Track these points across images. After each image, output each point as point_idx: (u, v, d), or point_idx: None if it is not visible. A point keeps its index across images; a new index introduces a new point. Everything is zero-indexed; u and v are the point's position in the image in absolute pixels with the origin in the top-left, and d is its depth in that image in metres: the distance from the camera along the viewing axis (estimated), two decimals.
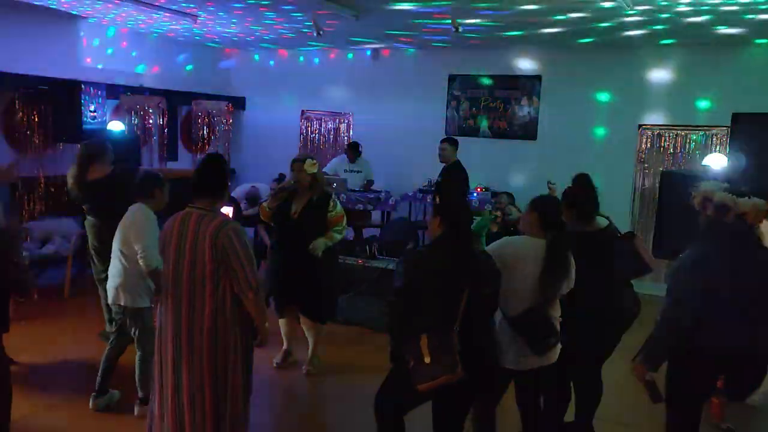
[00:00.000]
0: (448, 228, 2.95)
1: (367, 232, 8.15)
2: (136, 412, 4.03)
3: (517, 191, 7.68)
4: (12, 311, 3.72)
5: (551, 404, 3.65)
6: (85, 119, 7.17)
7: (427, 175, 8.42)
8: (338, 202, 4.82)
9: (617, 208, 7.01)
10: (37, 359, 4.93)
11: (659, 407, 3.10)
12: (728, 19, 5.69)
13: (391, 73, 9.09)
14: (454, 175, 6.94)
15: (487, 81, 8.58)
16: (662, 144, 7.69)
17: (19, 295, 3.68)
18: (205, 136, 9.63)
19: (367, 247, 6.23)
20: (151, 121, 8.61)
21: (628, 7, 5.24)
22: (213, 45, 9.54)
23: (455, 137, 7.51)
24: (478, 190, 7.83)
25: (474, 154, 7.56)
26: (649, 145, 7.76)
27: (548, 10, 5.70)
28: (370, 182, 8.45)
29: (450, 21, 6.21)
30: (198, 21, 7.03)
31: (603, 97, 7.94)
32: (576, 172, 3.84)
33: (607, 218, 3.72)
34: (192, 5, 6.36)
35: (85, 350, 5.01)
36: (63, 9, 6.89)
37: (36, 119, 7.09)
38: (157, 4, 6.26)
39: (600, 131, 7.98)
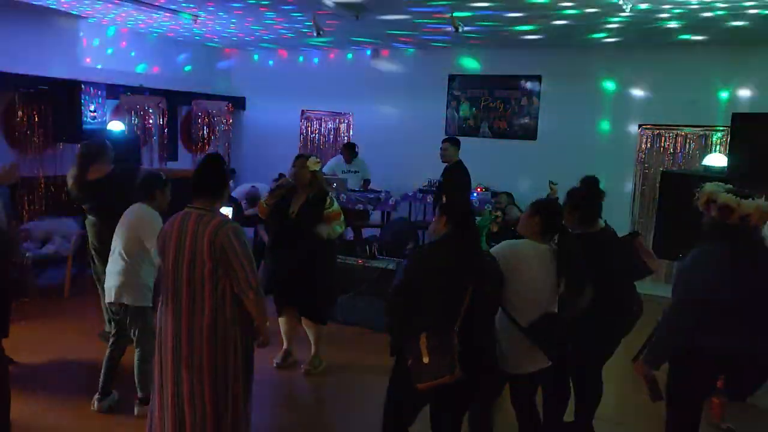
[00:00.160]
0: (454, 227, 2.95)
1: (367, 232, 8.15)
2: (136, 412, 4.03)
3: (517, 191, 7.70)
4: (12, 311, 3.73)
5: (551, 404, 3.65)
6: (85, 119, 7.17)
7: (427, 175, 8.42)
8: (335, 201, 4.83)
9: (617, 209, 7.02)
10: (37, 359, 4.93)
11: (659, 407, 3.10)
12: (736, 15, 5.69)
13: (391, 73, 9.10)
14: (455, 176, 6.94)
15: (487, 81, 8.58)
16: (662, 144, 7.70)
17: (19, 296, 3.68)
18: (205, 136, 9.64)
19: (367, 247, 6.23)
20: (151, 121, 8.61)
21: (628, 7, 5.24)
22: (213, 45, 9.54)
23: (454, 136, 7.51)
24: (478, 190, 7.84)
25: (474, 154, 7.55)
26: (649, 145, 7.76)
27: (551, 5, 5.70)
28: (368, 182, 8.46)
29: (450, 21, 6.21)
30: (198, 21, 7.03)
31: (603, 97, 7.94)
32: (575, 172, 3.85)
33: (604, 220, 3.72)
34: (192, 5, 6.36)
35: (85, 350, 5.01)
36: (63, 9, 6.89)
37: (36, 119, 7.09)
38: (157, 3, 6.26)
39: (600, 131, 7.98)
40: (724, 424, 3.98)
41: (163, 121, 8.81)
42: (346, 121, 9.60)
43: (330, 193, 4.88)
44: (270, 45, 9.30)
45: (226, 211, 6.09)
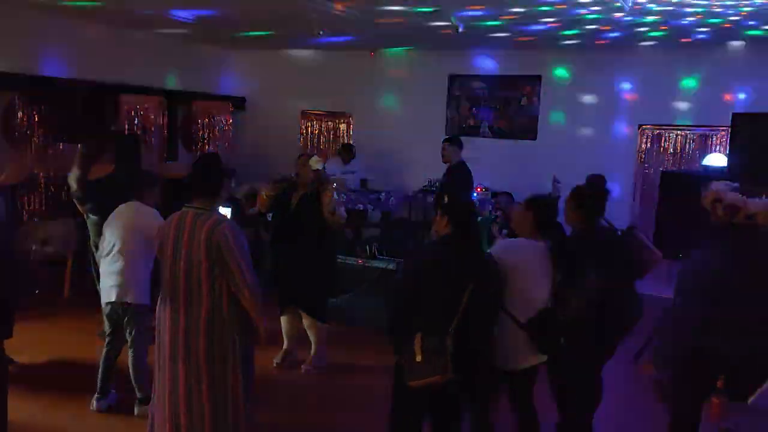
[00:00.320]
0: (455, 228, 2.95)
1: (367, 232, 8.15)
2: (136, 412, 4.04)
3: (517, 191, 7.69)
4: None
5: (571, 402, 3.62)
6: (85, 119, 7.16)
7: (427, 175, 8.42)
8: (332, 198, 4.82)
9: (617, 208, 7.00)
10: (37, 359, 4.93)
11: (658, 407, 3.10)
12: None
13: (391, 73, 9.09)
14: (457, 176, 6.94)
15: (487, 81, 8.58)
16: (662, 144, 7.70)
17: (23, 293, 3.69)
18: (205, 136, 9.63)
19: (367, 247, 6.23)
20: (151, 121, 8.60)
21: (627, 6, 5.24)
22: (213, 45, 9.54)
23: (456, 137, 7.49)
24: (478, 190, 7.83)
25: (474, 154, 7.54)
26: (649, 145, 7.76)
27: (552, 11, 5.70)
28: (365, 181, 8.46)
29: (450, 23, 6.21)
30: (199, 21, 7.03)
31: (603, 96, 7.94)
32: (575, 172, 3.83)
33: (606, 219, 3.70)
34: (192, 6, 6.36)
35: (85, 350, 5.01)
36: (63, 7, 6.88)
37: (36, 119, 7.08)
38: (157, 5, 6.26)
39: (600, 131, 7.98)
40: (724, 424, 3.98)
41: (163, 121, 8.81)
42: (346, 121, 9.60)
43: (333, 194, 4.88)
44: (270, 45, 9.29)
45: (225, 211, 6.09)
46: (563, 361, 3.58)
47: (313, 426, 4.23)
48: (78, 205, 5.08)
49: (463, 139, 7.41)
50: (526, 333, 3.12)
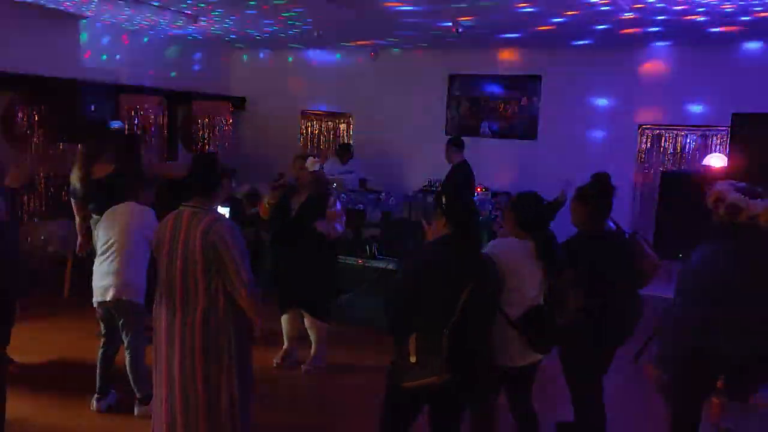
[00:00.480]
0: (454, 228, 2.95)
1: (367, 233, 8.15)
2: (136, 413, 4.04)
3: (517, 191, 7.68)
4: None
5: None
6: (85, 119, 7.16)
7: (427, 175, 8.42)
8: (338, 201, 4.83)
9: (617, 209, 6.98)
10: (37, 359, 4.93)
11: (659, 407, 3.10)
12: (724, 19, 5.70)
13: (391, 73, 9.09)
14: (456, 176, 6.95)
15: (487, 81, 8.59)
16: (662, 144, 7.70)
17: (19, 296, 3.69)
18: (205, 136, 9.63)
19: (367, 247, 6.23)
20: (151, 121, 8.60)
21: (627, 6, 5.24)
22: (213, 45, 9.54)
23: (457, 137, 7.48)
24: (478, 190, 7.83)
25: (474, 154, 7.55)
26: (649, 145, 7.76)
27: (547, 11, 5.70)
28: (364, 181, 8.46)
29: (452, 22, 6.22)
30: (198, 21, 7.03)
31: (603, 97, 7.95)
32: (575, 172, 3.81)
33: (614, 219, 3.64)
34: (192, 5, 6.35)
35: (85, 350, 5.00)
36: (63, 9, 6.89)
37: (36, 119, 7.08)
38: (157, 4, 6.26)
39: (600, 131, 7.98)
40: (724, 424, 3.99)
41: (163, 121, 8.81)
42: (346, 121, 9.60)
43: (333, 193, 4.88)
44: (270, 45, 9.30)
45: (224, 210, 6.09)
46: (564, 366, 3.58)
47: (313, 426, 4.23)
48: (75, 206, 5.06)
49: (463, 139, 7.42)
50: (518, 331, 3.13)
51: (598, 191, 3.45)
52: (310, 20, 6.52)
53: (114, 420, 4.06)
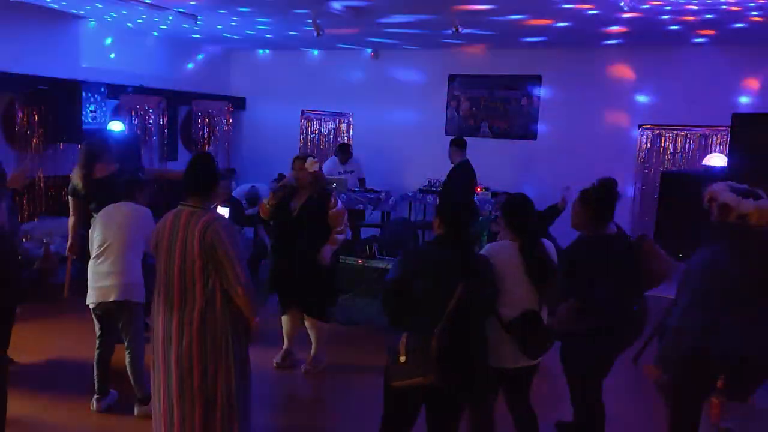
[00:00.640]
0: (447, 228, 2.95)
1: (366, 232, 8.16)
2: (136, 413, 4.04)
3: (517, 191, 7.69)
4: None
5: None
6: (85, 119, 7.17)
7: (427, 175, 8.43)
8: (339, 200, 4.83)
9: (617, 209, 7.01)
10: (37, 359, 4.93)
11: (659, 407, 3.10)
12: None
13: (391, 73, 9.10)
14: (455, 176, 6.95)
15: (487, 81, 8.59)
16: (662, 144, 7.70)
17: (19, 301, 3.69)
18: (205, 136, 9.64)
19: (367, 247, 6.23)
20: (151, 121, 8.61)
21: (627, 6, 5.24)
22: (213, 45, 9.55)
23: (458, 137, 7.48)
24: (478, 190, 7.84)
25: (474, 154, 7.56)
26: (649, 145, 7.77)
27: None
28: (363, 181, 8.47)
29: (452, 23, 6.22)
30: (198, 21, 7.03)
31: (603, 96, 7.95)
32: (575, 172, 3.80)
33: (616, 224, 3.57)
34: (193, 5, 6.36)
35: (85, 350, 4.99)
36: (63, 9, 6.89)
37: (36, 119, 7.09)
38: (156, 3, 6.26)
39: (600, 131, 7.98)
40: (724, 424, 3.98)
41: (163, 121, 8.81)
42: (346, 121, 9.60)
43: (333, 193, 4.88)
44: (270, 45, 9.30)
45: (223, 211, 6.09)
46: (565, 367, 3.57)
47: (313, 426, 4.23)
48: (72, 205, 5.04)
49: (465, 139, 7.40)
50: (510, 334, 3.12)
51: (602, 195, 3.41)
52: (310, 20, 6.52)
53: (114, 420, 4.05)
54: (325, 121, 9.78)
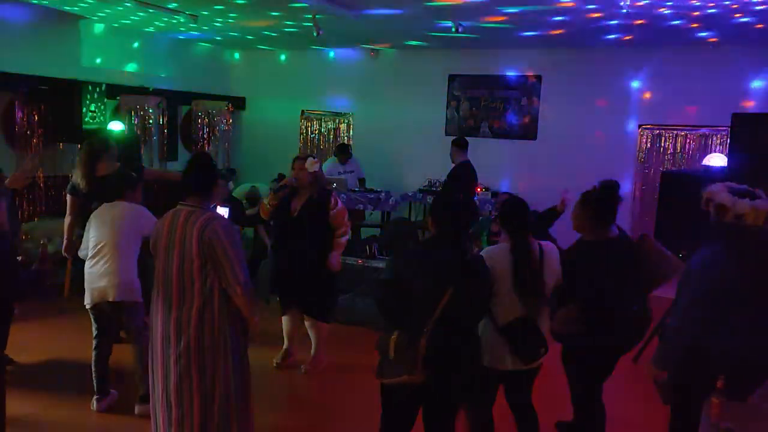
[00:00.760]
0: (440, 228, 2.95)
1: (366, 232, 8.15)
2: (136, 411, 4.04)
3: (517, 191, 7.70)
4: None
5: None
6: (85, 119, 7.17)
7: (427, 175, 8.43)
8: (339, 200, 4.83)
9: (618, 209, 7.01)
10: (37, 359, 4.93)
11: (658, 407, 3.10)
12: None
13: (391, 73, 9.10)
14: (453, 176, 6.95)
15: (487, 81, 8.59)
16: (662, 144, 7.70)
17: (18, 299, 3.69)
18: (205, 136, 9.64)
19: (367, 247, 6.23)
20: (151, 121, 8.61)
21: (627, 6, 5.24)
22: (213, 45, 9.54)
23: (460, 137, 7.47)
24: (478, 190, 7.84)
25: (474, 154, 7.57)
26: (649, 145, 7.77)
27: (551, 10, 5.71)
28: (363, 180, 8.47)
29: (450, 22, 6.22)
30: (197, 20, 7.03)
31: (603, 96, 7.95)
32: (575, 172, 3.79)
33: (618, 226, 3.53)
34: (192, 4, 6.36)
35: (85, 350, 4.98)
36: (63, 9, 6.89)
37: (36, 119, 7.09)
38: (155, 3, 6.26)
39: (600, 131, 7.98)
40: (724, 424, 3.98)
41: (163, 121, 8.81)
42: (346, 121, 9.60)
43: (334, 193, 4.88)
44: (270, 45, 9.30)
45: (222, 211, 6.09)
46: (566, 367, 3.57)
47: (313, 426, 4.23)
48: (71, 204, 5.04)
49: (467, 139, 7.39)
50: (504, 337, 3.12)
51: (602, 197, 3.38)
52: (310, 20, 6.52)
53: (114, 419, 4.06)
54: (325, 121, 9.78)
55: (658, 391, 3.04)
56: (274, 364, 4.98)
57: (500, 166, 8.30)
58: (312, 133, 9.89)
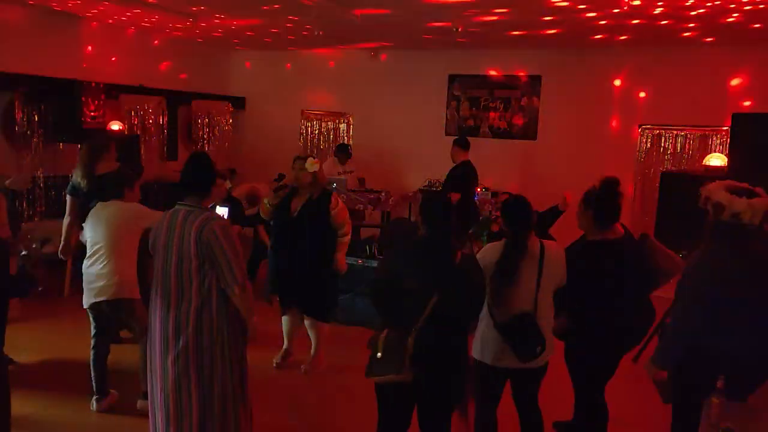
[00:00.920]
0: (428, 228, 2.95)
1: (366, 232, 8.15)
2: (138, 406, 4.05)
3: (517, 191, 7.69)
4: (16, 310, 3.76)
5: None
6: (85, 119, 7.17)
7: (427, 175, 8.42)
8: (339, 200, 4.82)
9: None
10: (37, 359, 4.93)
11: (658, 407, 3.10)
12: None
13: (391, 73, 9.10)
14: (456, 176, 6.95)
15: (487, 81, 8.59)
16: (662, 144, 7.70)
17: (21, 294, 3.69)
18: (205, 136, 9.64)
19: (367, 247, 6.23)
20: (151, 121, 8.61)
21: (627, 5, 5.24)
22: (213, 45, 9.54)
23: (462, 137, 7.45)
24: (478, 190, 7.84)
25: (474, 154, 7.57)
26: (649, 145, 7.77)
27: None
28: (362, 180, 8.47)
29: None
30: (198, 21, 7.03)
31: (603, 96, 7.94)
32: (575, 172, 3.78)
33: (622, 224, 3.52)
34: (192, 5, 6.36)
35: (85, 350, 4.97)
36: (63, 9, 6.89)
37: (36, 119, 7.09)
38: (155, 3, 6.26)
39: (600, 131, 7.98)
40: (724, 424, 3.97)
41: (163, 121, 8.81)
42: (346, 121, 9.60)
43: (333, 193, 4.88)
44: (271, 45, 9.30)
45: (222, 210, 6.09)
46: (569, 367, 3.57)
47: (313, 426, 4.23)
48: (70, 204, 5.04)
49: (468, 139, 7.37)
50: (502, 335, 3.12)
51: (601, 194, 3.36)
52: (311, 20, 6.52)
53: (115, 419, 4.06)
54: (325, 121, 9.78)
55: (657, 390, 3.04)
56: (274, 364, 4.98)
57: (500, 166, 8.29)
58: (312, 133, 9.89)
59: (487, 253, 3.23)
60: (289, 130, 9.82)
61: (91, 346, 4.14)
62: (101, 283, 3.97)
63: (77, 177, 4.95)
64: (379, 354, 2.80)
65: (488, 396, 3.36)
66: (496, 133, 8.60)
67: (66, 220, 4.94)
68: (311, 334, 4.92)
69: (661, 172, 6.48)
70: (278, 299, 4.92)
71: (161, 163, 8.74)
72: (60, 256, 5.01)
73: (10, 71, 6.61)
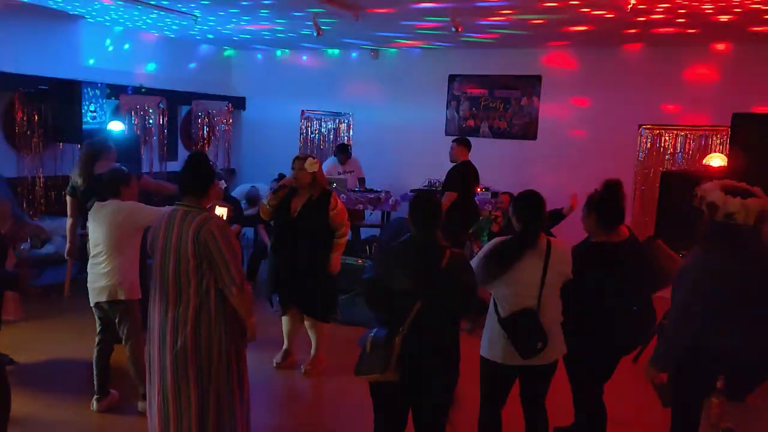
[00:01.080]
0: (417, 228, 2.96)
1: (366, 232, 8.15)
2: (139, 407, 4.05)
3: (517, 191, 7.68)
4: (17, 311, 3.78)
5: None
6: (85, 119, 7.16)
7: (427, 175, 8.42)
8: (339, 201, 4.83)
9: None
10: (37, 359, 4.93)
11: (658, 407, 3.10)
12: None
13: (391, 73, 9.10)
14: (454, 175, 6.94)
15: (487, 81, 8.59)
16: (662, 144, 7.70)
17: (13, 289, 3.68)
18: (205, 136, 9.63)
19: (367, 247, 6.24)
20: (151, 121, 8.61)
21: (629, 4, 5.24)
22: (213, 45, 9.54)
23: (464, 137, 7.44)
24: (478, 190, 7.83)
25: (474, 154, 7.57)
26: (649, 145, 7.76)
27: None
28: (362, 180, 8.47)
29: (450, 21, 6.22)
30: (197, 21, 7.03)
31: (603, 96, 7.94)
32: (575, 172, 3.78)
33: (627, 227, 3.51)
34: (192, 4, 6.36)
35: (85, 350, 4.99)
36: (63, 9, 6.89)
37: (36, 119, 7.09)
38: (155, 3, 6.26)
39: (600, 131, 7.97)
40: (724, 424, 3.97)
41: (163, 121, 8.81)
42: (346, 121, 9.60)
43: (333, 193, 4.88)
44: (270, 45, 9.30)
45: (221, 211, 6.08)
46: (567, 368, 3.57)
47: (313, 426, 4.24)
48: (71, 205, 5.04)
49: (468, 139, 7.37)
50: (504, 331, 3.12)
51: (603, 197, 3.37)
52: (311, 20, 6.52)
53: (115, 419, 4.06)
54: (325, 121, 9.78)
55: (656, 393, 3.04)
56: (274, 364, 4.98)
57: (500, 166, 8.28)
58: (312, 133, 9.88)
59: (496, 241, 3.24)
60: (289, 130, 9.81)
61: (96, 343, 4.15)
62: (101, 284, 3.99)
63: (75, 177, 4.95)
64: (367, 352, 2.82)
65: (495, 395, 3.35)
66: (496, 133, 8.60)
67: (69, 221, 4.95)
68: (311, 334, 4.92)
69: (661, 172, 6.49)
70: (278, 299, 4.92)
71: (158, 183, 8.72)
72: (66, 257, 5.02)
73: (10, 71, 6.61)
